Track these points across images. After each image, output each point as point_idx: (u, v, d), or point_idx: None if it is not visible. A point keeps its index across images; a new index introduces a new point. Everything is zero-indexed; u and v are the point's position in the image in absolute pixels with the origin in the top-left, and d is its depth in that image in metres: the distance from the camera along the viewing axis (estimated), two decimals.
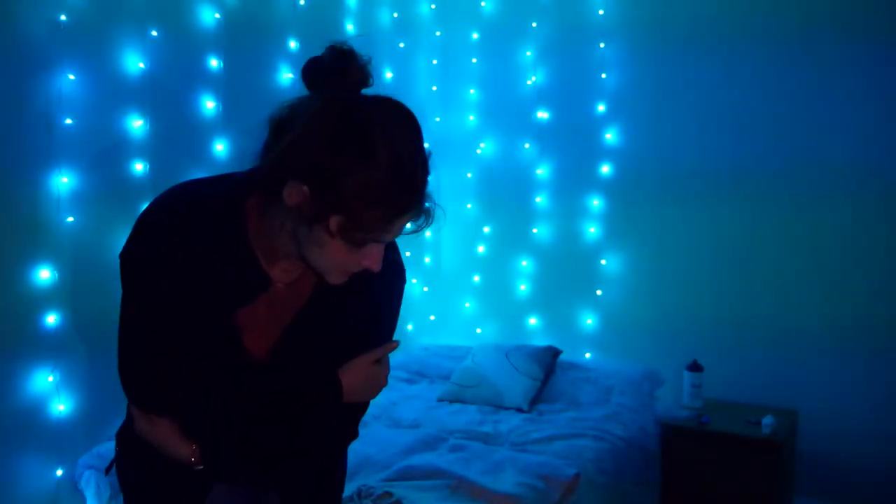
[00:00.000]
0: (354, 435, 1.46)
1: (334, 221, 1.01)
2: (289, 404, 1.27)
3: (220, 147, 2.93)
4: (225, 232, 1.15)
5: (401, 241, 1.22)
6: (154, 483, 1.34)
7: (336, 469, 1.48)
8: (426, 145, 1.07)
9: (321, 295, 1.22)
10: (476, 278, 4.03)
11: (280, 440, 1.32)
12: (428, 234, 4.08)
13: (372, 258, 1.08)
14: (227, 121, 2.94)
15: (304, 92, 1.07)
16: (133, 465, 1.40)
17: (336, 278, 1.13)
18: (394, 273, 1.28)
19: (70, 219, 2.41)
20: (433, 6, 4.13)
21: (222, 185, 1.19)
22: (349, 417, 1.39)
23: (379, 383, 1.33)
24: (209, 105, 2.90)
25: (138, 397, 1.29)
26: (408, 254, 3.90)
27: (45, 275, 2.34)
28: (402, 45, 3.94)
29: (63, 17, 2.38)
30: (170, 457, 1.29)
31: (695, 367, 3.17)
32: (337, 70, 1.03)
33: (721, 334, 3.32)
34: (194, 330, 1.20)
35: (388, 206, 1.01)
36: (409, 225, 1.09)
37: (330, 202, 0.99)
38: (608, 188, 3.64)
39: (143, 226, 1.18)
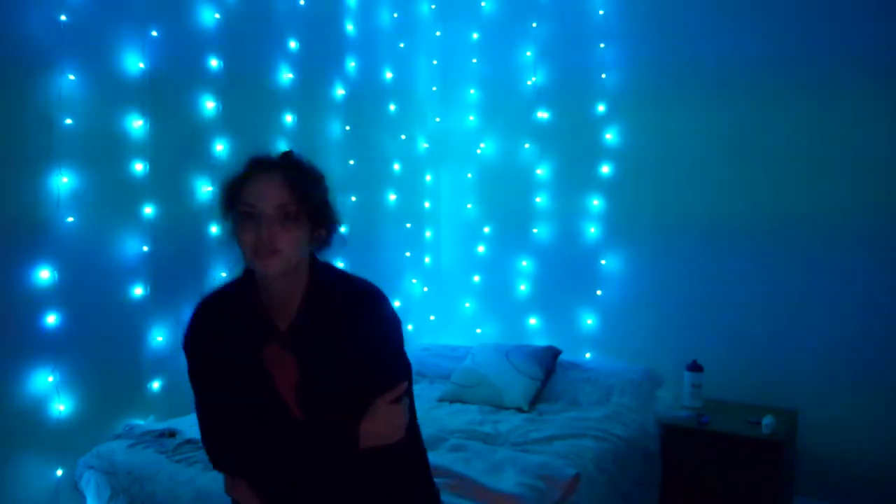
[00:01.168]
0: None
1: (229, 210, 1.44)
2: (316, 457, 1.42)
3: (220, 147, 2.93)
4: (241, 296, 1.48)
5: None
6: None
7: None
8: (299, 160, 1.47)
9: (312, 339, 1.45)
10: (476, 278, 4.03)
11: (319, 493, 1.46)
12: (428, 233, 4.08)
13: (251, 231, 1.38)
14: (227, 121, 2.94)
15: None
16: None
17: (257, 261, 1.39)
18: (365, 302, 1.49)
19: (70, 219, 2.41)
20: (433, 6, 4.13)
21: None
22: (386, 460, 1.48)
23: (397, 424, 1.47)
24: (209, 105, 2.90)
25: (214, 460, 1.49)
26: (408, 254, 3.92)
27: (45, 275, 2.34)
28: (402, 45, 3.94)
29: (63, 17, 2.38)
30: None
31: (695, 367, 3.17)
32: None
33: (721, 334, 3.32)
34: (235, 382, 1.45)
35: (238, 177, 1.43)
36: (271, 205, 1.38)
37: (227, 201, 1.44)
38: (608, 188, 3.64)
39: (191, 316, 1.54)
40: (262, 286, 1.46)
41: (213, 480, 2.11)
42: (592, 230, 3.68)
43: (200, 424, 1.50)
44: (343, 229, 1.53)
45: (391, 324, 1.52)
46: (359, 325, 1.46)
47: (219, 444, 1.47)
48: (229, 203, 1.43)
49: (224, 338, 1.47)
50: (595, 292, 3.66)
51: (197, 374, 1.49)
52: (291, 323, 1.46)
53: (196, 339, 1.49)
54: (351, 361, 1.45)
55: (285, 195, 1.38)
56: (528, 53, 3.85)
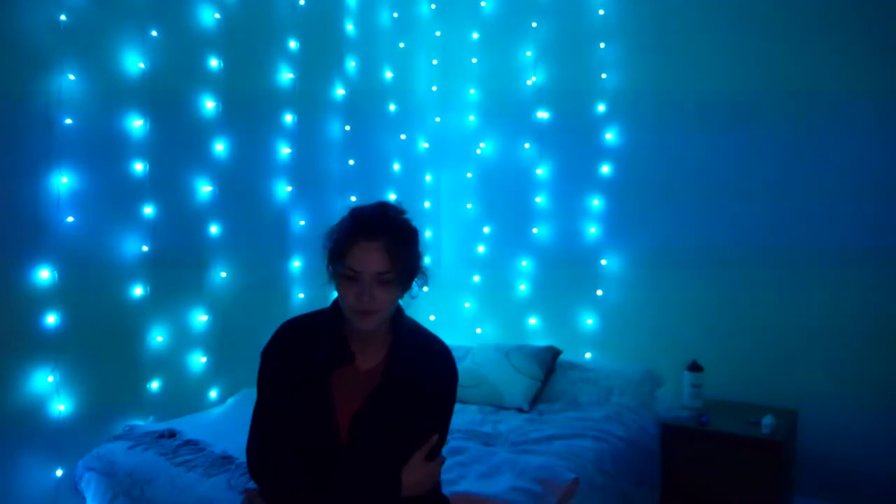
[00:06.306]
0: None
1: (331, 267, 1.59)
2: (355, 489, 1.53)
3: (219, 147, 2.92)
4: (327, 323, 1.63)
5: None
6: None
7: None
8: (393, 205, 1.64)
9: (388, 378, 1.60)
10: (476, 278, 4.03)
11: None
12: (428, 233, 4.08)
13: (353, 292, 1.53)
14: (227, 121, 2.94)
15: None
16: None
17: (357, 319, 1.54)
18: (442, 358, 1.68)
19: (70, 219, 2.41)
20: (433, 6, 4.13)
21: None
22: None
23: (428, 481, 1.60)
24: (209, 105, 2.90)
25: (252, 470, 1.60)
26: None
27: (45, 275, 2.34)
28: (402, 45, 3.93)
29: (63, 17, 2.38)
30: None
31: (695, 367, 3.17)
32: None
33: (721, 334, 3.32)
34: (298, 395, 1.57)
35: (343, 240, 1.57)
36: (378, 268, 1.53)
37: (329, 258, 1.59)
38: (608, 188, 3.64)
39: (277, 329, 1.68)
40: (350, 321, 1.60)
41: (213, 488, 2.11)
42: (592, 230, 3.68)
43: (251, 434, 1.60)
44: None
45: (454, 383, 1.69)
46: (431, 379, 1.64)
47: (263, 455, 1.57)
48: (333, 259, 1.58)
49: (302, 354, 1.60)
50: (595, 292, 3.66)
51: (266, 380, 1.61)
52: (376, 360, 1.62)
53: (275, 348, 1.63)
54: (413, 407, 1.60)
55: (385, 263, 1.52)
56: (528, 53, 3.85)
